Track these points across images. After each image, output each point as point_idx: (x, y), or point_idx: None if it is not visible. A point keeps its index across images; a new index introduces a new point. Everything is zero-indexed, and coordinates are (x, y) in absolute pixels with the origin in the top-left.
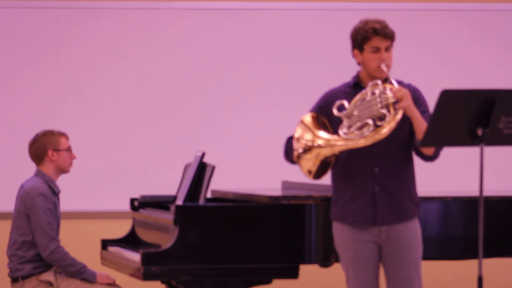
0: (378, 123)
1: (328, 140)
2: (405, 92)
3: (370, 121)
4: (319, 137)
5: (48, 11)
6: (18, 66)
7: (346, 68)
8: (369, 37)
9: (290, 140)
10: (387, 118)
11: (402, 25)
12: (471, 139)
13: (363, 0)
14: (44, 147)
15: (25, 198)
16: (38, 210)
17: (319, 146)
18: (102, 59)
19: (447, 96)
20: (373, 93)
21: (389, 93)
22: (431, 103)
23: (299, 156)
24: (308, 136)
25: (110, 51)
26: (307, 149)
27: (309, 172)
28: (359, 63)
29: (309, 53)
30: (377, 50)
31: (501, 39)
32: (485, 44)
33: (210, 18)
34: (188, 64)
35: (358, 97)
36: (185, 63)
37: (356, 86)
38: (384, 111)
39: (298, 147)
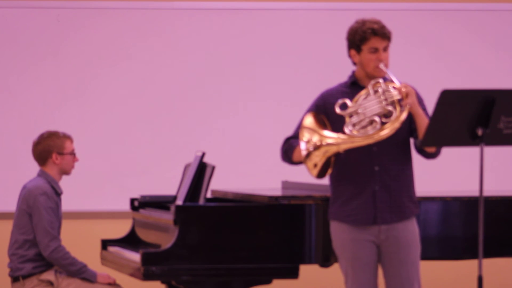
0: (384, 120)
1: (335, 138)
2: (410, 89)
3: (376, 119)
4: (326, 137)
5: (48, 11)
6: (18, 66)
7: (346, 68)
8: (368, 37)
9: (288, 140)
10: (393, 116)
11: (402, 25)
12: (471, 139)
13: (363, 0)
14: (49, 149)
15: (27, 196)
16: (40, 209)
17: (328, 144)
18: (102, 59)
19: (447, 96)
20: (376, 91)
21: (392, 91)
22: (431, 103)
23: (309, 153)
24: (316, 138)
25: (110, 51)
26: (316, 147)
27: (315, 165)
28: (355, 63)
29: (309, 53)
30: (375, 50)
31: (501, 39)
32: (485, 44)
33: (211, 18)
34: (188, 64)
35: (361, 94)
36: (185, 63)
37: (353, 85)
38: (390, 108)
39: (308, 147)
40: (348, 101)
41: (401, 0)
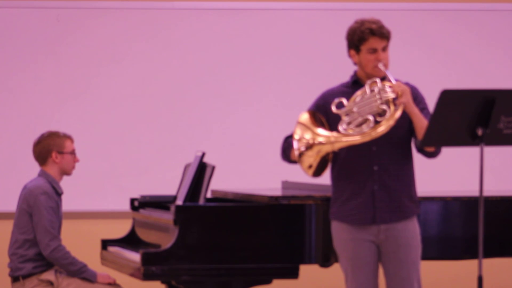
0: (378, 119)
1: (328, 137)
2: (405, 88)
3: (370, 117)
4: (319, 135)
5: (48, 11)
6: (18, 66)
7: (346, 68)
8: (366, 37)
9: (287, 139)
10: (387, 115)
11: (402, 25)
12: (471, 139)
13: (363, 0)
14: (49, 148)
15: (28, 196)
16: (41, 208)
17: (320, 143)
18: (102, 59)
19: (447, 96)
20: (372, 90)
21: (388, 90)
22: (431, 103)
23: (301, 154)
24: (308, 135)
25: (110, 51)
26: (309, 147)
27: (310, 167)
28: (355, 63)
29: (309, 53)
30: (374, 50)
31: (501, 39)
32: (485, 44)
33: (210, 18)
34: (188, 64)
35: (357, 93)
36: (185, 63)
37: (354, 85)
38: (384, 107)
39: (299, 146)
40: (344, 100)
41: (401, 0)
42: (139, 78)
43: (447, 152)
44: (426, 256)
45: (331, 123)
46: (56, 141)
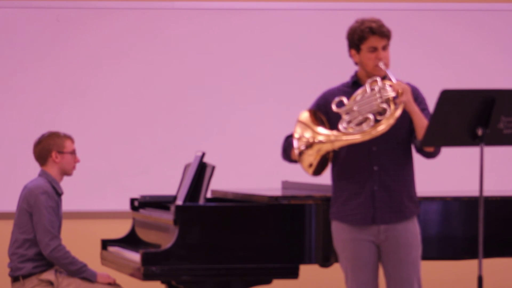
0: (379, 117)
1: (328, 135)
2: (405, 87)
3: (370, 116)
4: (319, 133)
5: (48, 11)
6: (18, 66)
7: (346, 68)
8: (366, 36)
9: (288, 138)
10: (387, 113)
11: (402, 25)
12: (471, 139)
13: (363, 0)
14: (49, 148)
15: (28, 196)
16: (41, 208)
17: (320, 142)
18: (102, 59)
19: (447, 96)
20: (373, 89)
21: (388, 89)
22: (431, 103)
23: (301, 152)
24: (308, 134)
25: (110, 51)
26: (309, 145)
27: (310, 165)
28: (356, 63)
29: (309, 53)
30: (374, 49)
31: (501, 39)
32: (485, 44)
33: (210, 18)
34: (188, 64)
35: (358, 92)
36: (185, 63)
37: (355, 85)
38: (384, 105)
39: (300, 145)
40: (344, 99)
41: (401, 0)
42: (139, 78)
43: (447, 152)
44: (426, 256)
45: (332, 122)
46: (56, 141)
